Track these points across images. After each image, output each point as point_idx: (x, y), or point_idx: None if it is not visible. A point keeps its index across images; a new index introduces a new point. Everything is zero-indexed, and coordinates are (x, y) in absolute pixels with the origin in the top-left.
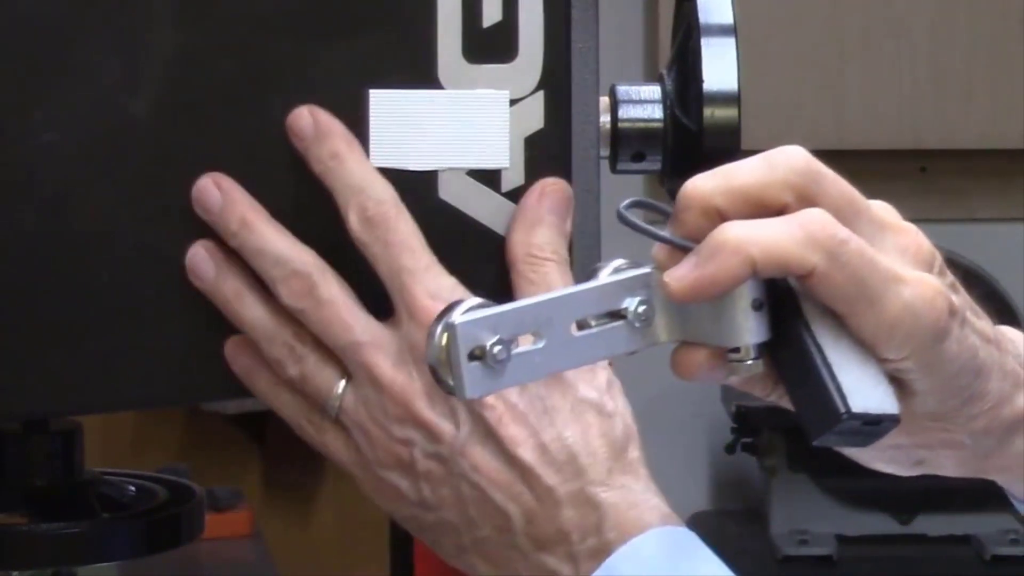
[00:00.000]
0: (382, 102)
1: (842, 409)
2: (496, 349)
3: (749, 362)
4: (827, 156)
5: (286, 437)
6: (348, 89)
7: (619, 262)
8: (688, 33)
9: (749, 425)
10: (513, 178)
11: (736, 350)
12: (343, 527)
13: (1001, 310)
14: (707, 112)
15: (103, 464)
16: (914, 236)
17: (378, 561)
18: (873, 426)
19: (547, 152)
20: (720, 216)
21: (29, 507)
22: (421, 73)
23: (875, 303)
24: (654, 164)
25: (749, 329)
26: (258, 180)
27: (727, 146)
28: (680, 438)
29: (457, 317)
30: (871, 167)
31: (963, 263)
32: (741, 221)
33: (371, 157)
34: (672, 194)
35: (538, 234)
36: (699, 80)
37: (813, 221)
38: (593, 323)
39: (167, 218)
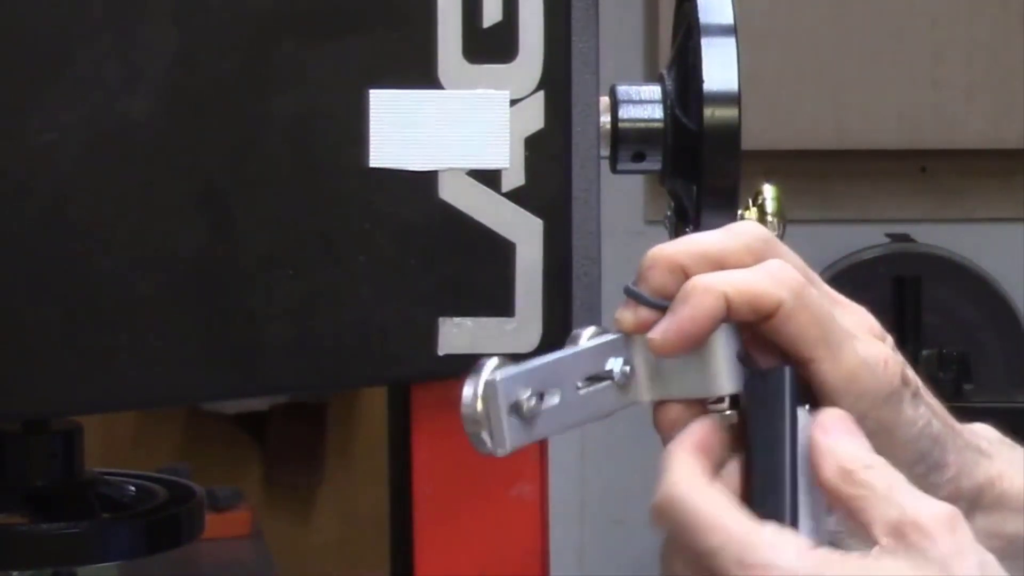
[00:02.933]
0: (382, 102)
1: (788, 515)
2: (532, 403)
3: (728, 412)
4: (827, 156)
5: (286, 437)
6: (348, 89)
7: (592, 329)
8: (688, 33)
9: None
10: (513, 178)
11: (714, 400)
12: (343, 527)
13: (1001, 310)
14: (707, 112)
15: (103, 464)
16: (866, 314)
17: (378, 561)
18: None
19: (547, 152)
20: (684, 273)
21: (29, 507)
22: (421, 73)
23: (835, 351)
24: (654, 164)
25: (729, 379)
26: (257, 180)
27: (727, 146)
28: None
29: (496, 374)
30: (871, 167)
31: (963, 263)
32: (709, 272)
33: (371, 157)
34: (673, 194)
35: (840, 456)
36: (699, 80)
37: (779, 267)
38: (582, 384)
39: (167, 218)
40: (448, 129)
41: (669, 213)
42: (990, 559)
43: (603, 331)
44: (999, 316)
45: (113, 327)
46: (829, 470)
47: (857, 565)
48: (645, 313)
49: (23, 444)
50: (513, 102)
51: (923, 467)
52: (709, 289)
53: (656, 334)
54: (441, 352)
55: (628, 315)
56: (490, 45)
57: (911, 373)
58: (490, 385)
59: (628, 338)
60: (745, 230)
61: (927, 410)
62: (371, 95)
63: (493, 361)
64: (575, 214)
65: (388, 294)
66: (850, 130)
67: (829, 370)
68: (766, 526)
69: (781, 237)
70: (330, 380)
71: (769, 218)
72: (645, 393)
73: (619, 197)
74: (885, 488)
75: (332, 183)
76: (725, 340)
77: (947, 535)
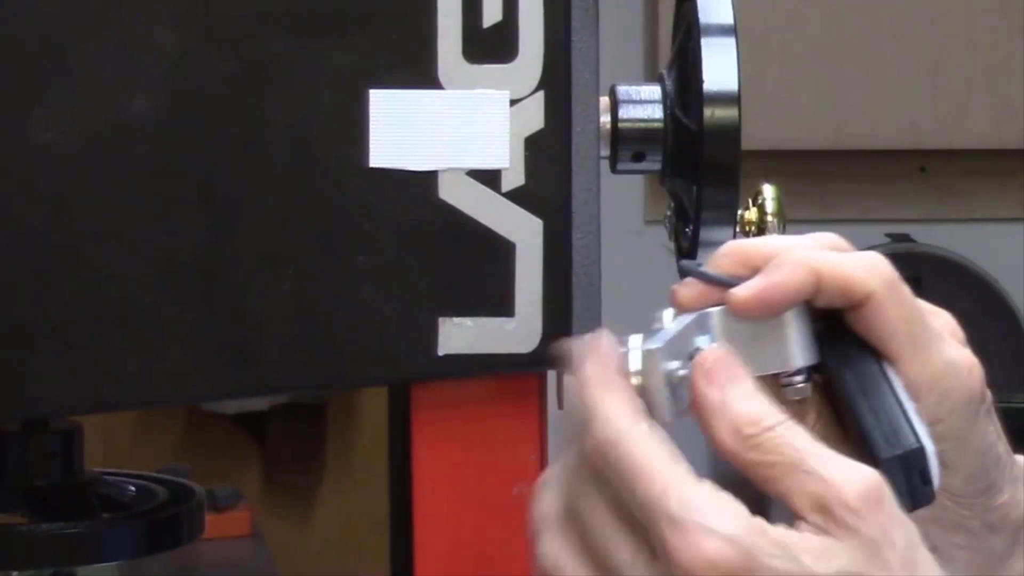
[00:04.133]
0: (382, 102)
1: (914, 440)
2: (682, 373)
3: (800, 384)
4: (827, 156)
5: (286, 437)
6: (348, 89)
7: (671, 311)
8: (688, 33)
9: None
10: (513, 178)
11: (790, 374)
12: (343, 527)
13: (1001, 310)
14: (707, 112)
15: (103, 464)
16: (950, 319)
17: (378, 561)
18: (923, 486)
19: (547, 152)
20: (755, 270)
21: (29, 507)
22: (421, 73)
23: (922, 351)
24: (654, 164)
25: (804, 352)
26: (257, 180)
27: (727, 146)
28: (680, 438)
29: (650, 343)
30: (871, 167)
31: (963, 263)
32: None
33: (371, 157)
34: (673, 194)
35: (734, 416)
36: (699, 80)
37: (875, 257)
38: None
39: (167, 217)
40: (448, 129)
41: (669, 213)
42: (912, 531)
43: (679, 312)
44: (999, 316)
45: (113, 327)
46: (723, 433)
47: (790, 541)
48: (703, 288)
49: (23, 444)
50: (513, 102)
51: (983, 484)
52: (803, 263)
53: (741, 292)
54: (441, 352)
55: (686, 290)
56: (490, 45)
57: (987, 389)
58: (650, 355)
59: (706, 318)
60: (826, 237)
61: (995, 429)
62: (371, 95)
63: (638, 337)
64: (575, 214)
65: (388, 294)
66: (850, 130)
67: (914, 370)
68: (704, 484)
69: None
70: (330, 380)
71: (769, 218)
72: None
73: (619, 197)
74: (796, 455)
75: (332, 183)
76: (800, 316)
77: (876, 511)
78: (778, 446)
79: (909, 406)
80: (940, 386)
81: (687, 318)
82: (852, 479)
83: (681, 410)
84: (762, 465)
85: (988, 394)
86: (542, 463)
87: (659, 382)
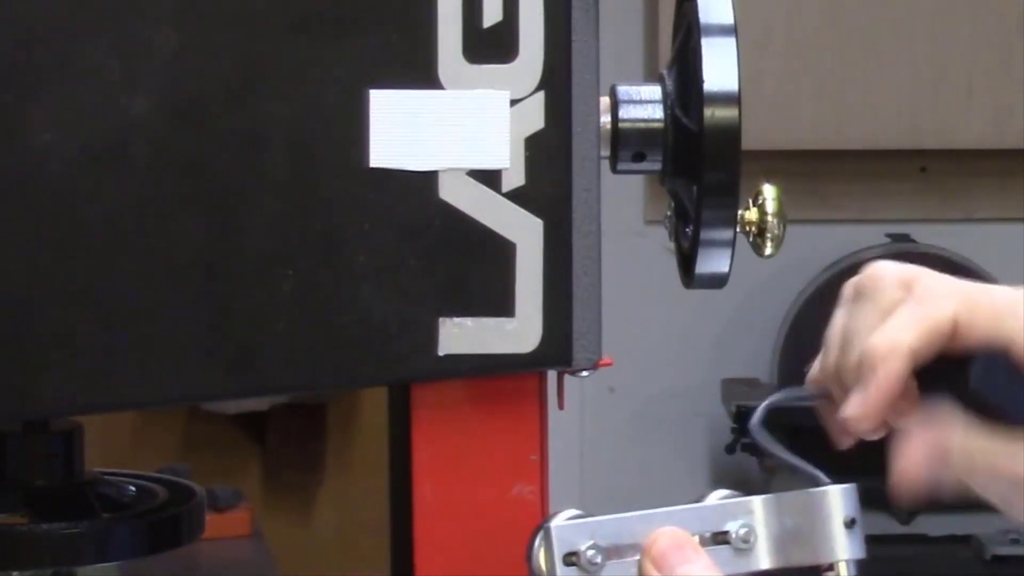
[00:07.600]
0: (382, 102)
1: None
2: (590, 554)
3: None
4: (827, 156)
5: (286, 437)
6: (348, 89)
7: (724, 492)
8: (688, 33)
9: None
10: (513, 178)
11: (831, 567)
12: (343, 527)
13: None
14: (707, 112)
15: (103, 464)
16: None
17: (378, 561)
18: None
19: (547, 152)
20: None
21: (29, 507)
22: (421, 73)
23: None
24: (654, 164)
25: (843, 546)
26: (258, 180)
27: (727, 146)
28: (680, 438)
29: (554, 522)
30: (871, 167)
31: (963, 263)
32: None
33: (371, 157)
34: (673, 194)
35: None
36: (699, 80)
37: (928, 288)
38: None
39: (168, 218)
40: (448, 129)
41: (669, 213)
42: None
43: (734, 494)
44: None
45: (113, 327)
46: None
47: None
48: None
49: (23, 444)
50: (513, 102)
51: None
52: (892, 352)
53: (849, 410)
54: (441, 352)
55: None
56: (490, 45)
57: None
58: (546, 531)
59: (751, 502)
60: (882, 273)
61: None
62: (371, 95)
63: (567, 512)
64: (575, 214)
65: (388, 294)
66: (850, 130)
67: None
68: None
69: (781, 237)
70: (330, 380)
71: (769, 218)
72: (764, 560)
73: (619, 197)
74: None
75: (332, 183)
76: (841, 505)
77: None
78: None
79: None
80: None
81: (734, 499)
82: None
83: None
84: None
85: None
86: (542, 463)
87: (552, 560)
